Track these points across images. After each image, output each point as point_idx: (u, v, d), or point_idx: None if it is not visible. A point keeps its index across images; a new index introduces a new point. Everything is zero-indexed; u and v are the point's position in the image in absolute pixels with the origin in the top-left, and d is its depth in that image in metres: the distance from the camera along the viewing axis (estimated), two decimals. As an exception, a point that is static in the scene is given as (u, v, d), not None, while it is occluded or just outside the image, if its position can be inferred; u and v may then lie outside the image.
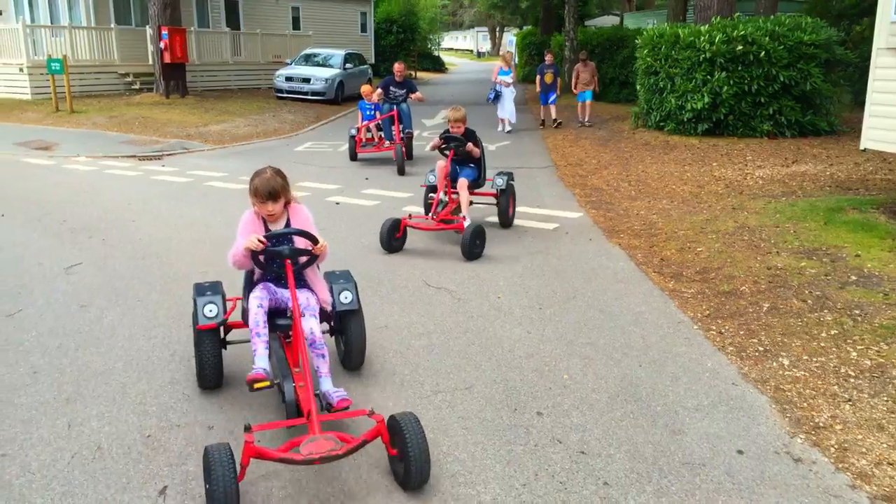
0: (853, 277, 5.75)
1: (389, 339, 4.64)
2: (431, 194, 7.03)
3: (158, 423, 3.56)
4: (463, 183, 6.85)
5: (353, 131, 11.60)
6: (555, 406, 3.80)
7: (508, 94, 15.21)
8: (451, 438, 3.46)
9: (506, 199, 7.32)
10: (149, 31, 19.41)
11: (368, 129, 11.65)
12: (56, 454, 3.27)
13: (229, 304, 3.96)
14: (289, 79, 20.94)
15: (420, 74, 37.11)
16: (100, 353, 4.32)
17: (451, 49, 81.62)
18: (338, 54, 22.44)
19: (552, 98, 15.88)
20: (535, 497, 3.03)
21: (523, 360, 4.35)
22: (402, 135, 11.48)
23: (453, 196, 6.94)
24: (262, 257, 3.56)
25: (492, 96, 15.37)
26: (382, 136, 11.65)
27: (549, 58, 16.01)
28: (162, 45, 18.03)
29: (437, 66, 44.04)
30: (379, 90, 11.64)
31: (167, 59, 18.21)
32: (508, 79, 15.08)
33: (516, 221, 7.74)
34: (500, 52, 17.58)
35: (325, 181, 9.86)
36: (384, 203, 8.58)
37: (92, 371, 4.09)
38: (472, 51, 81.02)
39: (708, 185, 9.64)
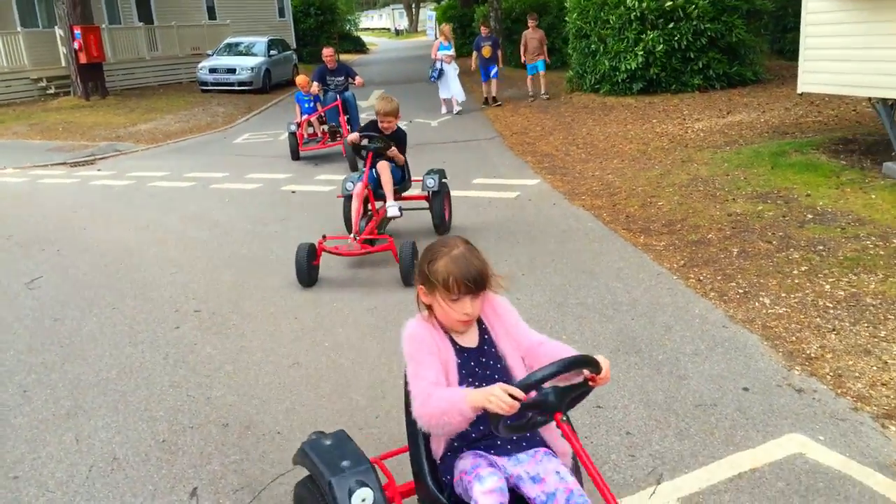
0: (809, 216, 6.03)
1: (377, 318, 4.62)
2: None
3: (170, 426, 3.48)
4: (384, 166, 5.81)
5: (293, 127, 10.25)
6: (561, 366, 3.87)
7: (452, 72, 14.01)
8: (469, 408, 3.50)
9: (440, 202, 6.25)
10: (58, 31, 18.47)
11: (310, 124, 10.48)
12: (71, 469, 3.16)
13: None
14: (213, 70, 20.32)
15: (343, 56, 36.53)
16: (88, 365, 4.17)
17: (368, 29, 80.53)
18: (261, 42, 21.87)
19: (493, 72, 14.55)
20: (564, 453, 3.10)
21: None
22: (349, 128, 10.14)
23: (378, 206, 5.98)
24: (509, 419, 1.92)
25: (435, 75, 14.03)
26: (326, 130, 10.39)
27: (484, 30, 14.92)
28: (76, 45, 17.22)
29: (359, 46, 43.40)
30: (315, 83, 10.39)
31: (83, 59, 17.41)
32: (450, 53, 13.98)
33: (479, 193, 7.79)
34: (443, 29, 15.38)
35: (274, 171, 9.67)
36: (339, 187, 8.48)
37: (86, 383, 3.95)
38: (389, 29, 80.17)
39: (653, 141, 9.89)
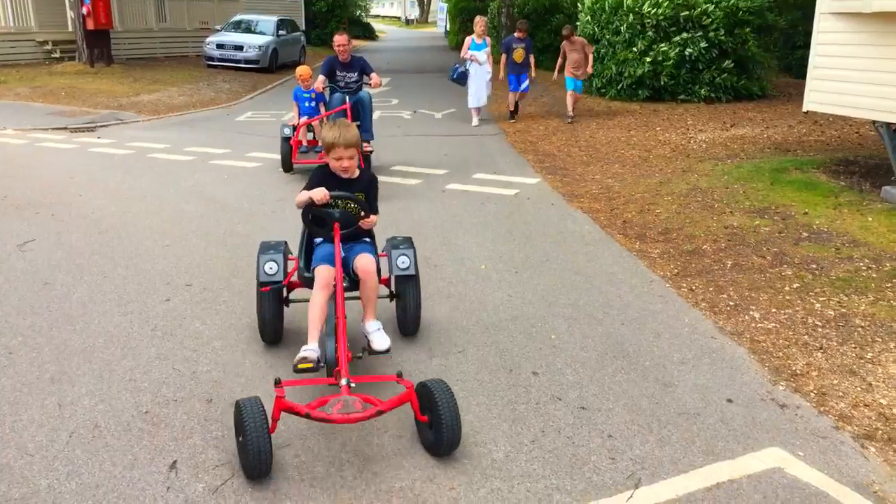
0: (805, 234, 6.05)
1: (373, 307, 4.62)
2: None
3: (153, 398, 3.48)
4: (367, 264, 3.69)
5: (288, 130, 8.26)
6: (548, 365, 3.89)
7: (482, 74, 11.64)
8: (454, 400, 3.51)
9: (414, 292, 4.05)
10: (67, -5, 18.36)
11: (310, 129, 8.39)
12: (52, 434, 3.16)
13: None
14: (220, 46, 20.22)
15: (352, 42, 36.45)
16: (76, 331, 4.16)
17: (378, 16, 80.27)
18: (270, 20, 21.76)
19: (525, 84, 12.01)
20: (545, 452, 3.11)
21: (509, 323, 4.42)
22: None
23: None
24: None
25: (455, 74, 11.87)
26: None
27: (520, 31, 11.91)
28: (84, 10, 17.10)
29: (368, 33, 43.28)
30: (322, 78, 8.26)
31: (90, 25, 17.30)
32: (483, 55, 11.55)
33: (478, 188, 7.79)
34: (478, 22, 11.86)
35: (275, 151, 9.59)
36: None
37: (72, 349, 3.94)
38: (399, 18, 79.90)
39: (655, 149, 9.90)
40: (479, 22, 11.82)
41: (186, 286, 4.89)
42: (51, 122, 11.65)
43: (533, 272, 5.29)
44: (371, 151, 8.17)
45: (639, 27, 13.05)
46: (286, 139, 8.27)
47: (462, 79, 11.82)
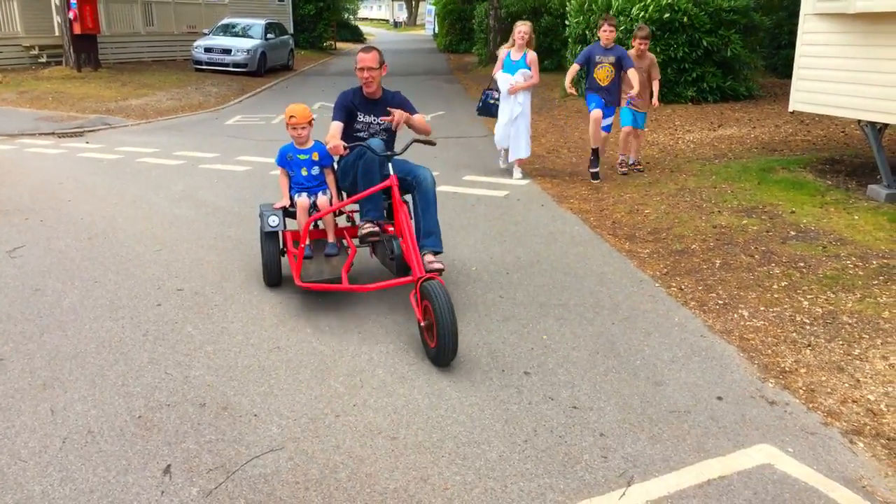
0: (792, 233, 6.11)
1: (361, 307, 4.64)
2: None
3: (146, 403, 3.48)
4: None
5: (274, 220, 4.72)
6: (540, 365, 3.91)
7: (524, 101, 8.07)
8: (447, 402, 3.53)
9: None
10: (54, 0, 18.25)
11: (315, 209, 4.87)
12: (45, 440, 3.15)
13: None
14: (208, 50, 20.17)
15: (340, 45, 36.44)
16: (67, 337, 4.15)
17: (366, 19, 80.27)
18: (258, 24, 21.74)
19: (608, 121, 8.09)
20: (538, 451, 3.14)
21: (501, 324, 4.44)
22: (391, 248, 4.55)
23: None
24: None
25: (479, 104, 8.73)
26: (365, 231, 4.55)
27: (608, 32, 7.81)
28: (71, 15, 17.02)
29: (356, 36, 43.29)
30: (337, 128, 4.78)
31: (77, 29, 17.21)
32: (519, 77, 7.95)
33: (468, 190, 7.81)
34: (517, 24, 8.08)
35: (265, 154, 9.63)
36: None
37: (63, 355, 3.93)
38: (387, 20, 79.91)
39: (643, 149, 9.93)
40: (521, 30, 7.97)
41: (178, 291, 4.89)
42: (38, 128, 11.59)
43: (524, 273, 5.32)
44: (441, 269, 4.39)
45: (626, 28, 13.10)
46: (270, 234, 4.71)
47: (488, 111, 8.55)
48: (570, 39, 14.86)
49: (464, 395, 3.60)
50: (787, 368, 3.89)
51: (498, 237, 6.18)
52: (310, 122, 4.92)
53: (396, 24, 75.58)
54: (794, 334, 4.28)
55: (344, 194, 5.00)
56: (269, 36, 21.64)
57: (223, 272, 5.25)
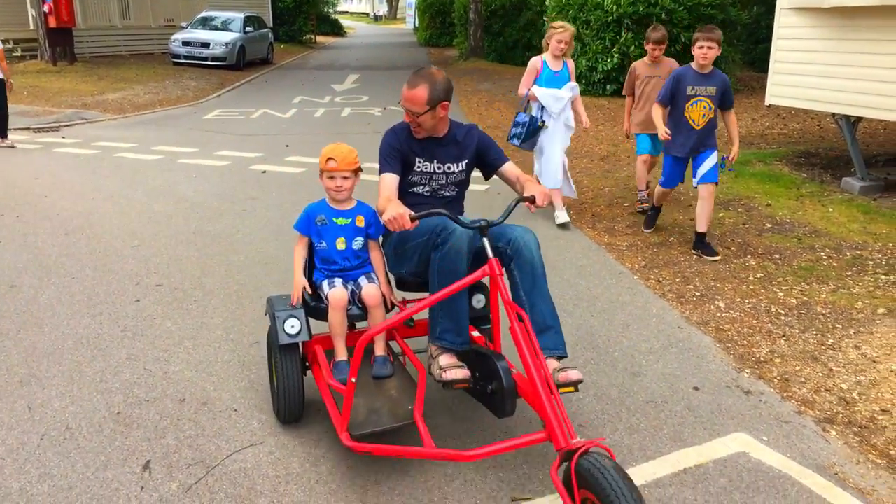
0: (768, 225, 6.19)
1: (346, 304, 4.63)
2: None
3: (125, 399, 3.46)
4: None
5: (293, 326, 3.09)
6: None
7: (560, 132, 6.31)
8: (428, 400, 3.54)
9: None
10: (28, -8, 18.01)
11: (367, 340, 2.81)
12: (23, 437, 3.13)
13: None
14: (186, 43, 19.99)
15: (320, 39, 36.23)
16: (44, 334, 4.12)
17: (346, 12, 79.82)
18: (237, 17, 21.56)
19: (708, 167, 5.46)
20: (517, 443, 3.16)
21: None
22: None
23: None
24: None
25: (521, 133, 6.36)
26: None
27: (708, 49, 5.23)
28: (46, 8, 16.80)
29: (336, 29, 43.06)
30: (389, 183, 3.27)
31: (52, 23, 17.00)
32: (567, 91, 6.20)
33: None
34: (553, 26, 6.10)
35: (243, 149, 9.58)
36: (310, 170, 8.44)
37: (41, 352, 3.90)
38: (367, 14, 79.56)
39: (622, 143, 10.02)
40: (560, 32, 6.12)
41: (156, 286, 4.86)
42: (13, 123, 11.42)
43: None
44: (579, 382, 2.98)
45: (604, 22, 13.19)
46: (287, 349, 3.13)
47: (525, 138, 6.37)
48: (549, 33, 14.90)
49: (440, 391, 3.61)
50: (762, 358, 3.95)
51: (478, 231, 6.19)
52: (356, 172, 3.30)
53: (377, 18, 75.27)
54: (769, 325, 4.35)
55: (392, 282, 3.37)
56: (247, 29, 21.48)
57: (202, 267, 5.23)
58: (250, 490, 2.83)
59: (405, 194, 3.36)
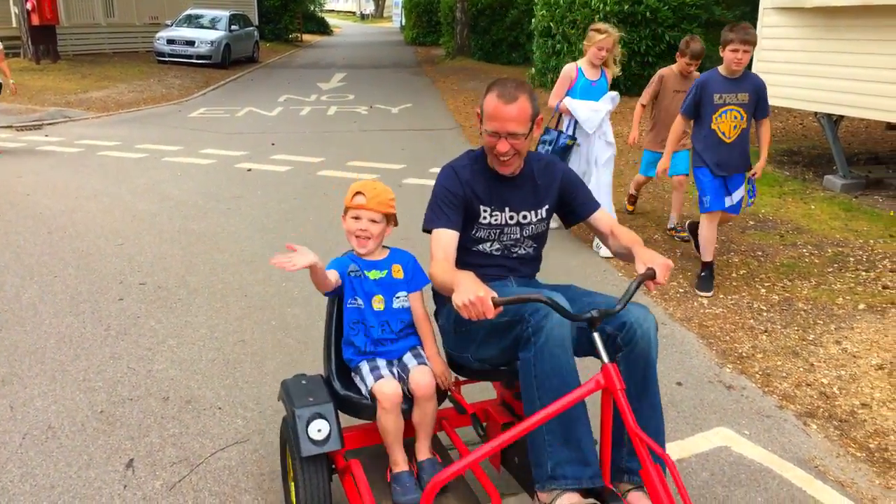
0: (751, 222, 6.24)
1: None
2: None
3: (108, 398, 3.44)
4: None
5: (320, 429, 2.32)
6: (504, 354, 3.95)
7: (601, 149, 5.73)
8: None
9: None
10: (10, -11, 17.83)
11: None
12: (4, 437, 3.11)
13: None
14: (171, 41, 19.84)
15: (306, 37, 36.10)
16: (26, 332, 4.09)
17: (333, 11, 79.57)
18: (222, 15, 21.43)
19: (739, 196, 4.82)
20: (502, 439, 3.17)
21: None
22: None
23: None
24: None
25: (546, 148, 5.70)
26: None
27: (741, 52, 4.43)
28: (28, 5, 16.60)
29: (323, 28, 42.92)
30: (447, 242, 2.43)
31: (35, 20, 16.81)
32: (606, 103, 5.65)
33: (430, 182, 7.80)
34: (594, 29, 5.35)
35: (229, 147, 9.53)
36: (296, 168, 8.41)
37: (23, 350, 3.87)
38: (354, 12, 79.37)
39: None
40: (602, 38, 5.40)
41: (140, 285, 4.84)
42: (-5, 121, 11.32)
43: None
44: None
45: (591, 20, 13.22)
46: (312, 461, 2.37)
47: (563, 158, 5.51)
48: (535, 32, 14.93)
49: (429, 384, 3.62)
50: (744, 354, 3.99)
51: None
52: (388, 218, 2.57)
53: (363, 17, 75.12)
54: (752, 321, 4.39)
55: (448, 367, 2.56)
56: (233, 27, 21.37)
57: (187, 266, 5.21)
58: (234, 487, 2.83)
59: (466, 254, 2.55)
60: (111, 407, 3.37)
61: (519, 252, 2.60)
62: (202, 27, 20.78)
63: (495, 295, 1.99)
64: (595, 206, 2.62)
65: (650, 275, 2.18)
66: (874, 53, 6.60)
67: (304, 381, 2.52)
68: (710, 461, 3.04)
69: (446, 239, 2.45)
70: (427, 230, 2.50)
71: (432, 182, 6.08)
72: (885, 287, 4.88)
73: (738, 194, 4.78)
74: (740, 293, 4.80)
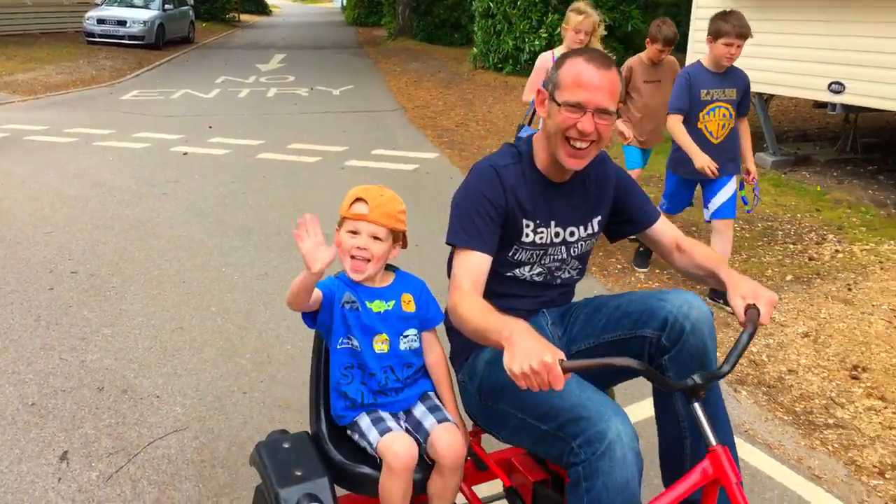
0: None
1: (268, 284, 4.58)
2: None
3: (40, 389, 3.34)
4: None
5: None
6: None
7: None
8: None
9: None
10: (-77, -35, 16.87)
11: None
12: (-72, 434, 2.99)
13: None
14: (101, 21, 19.10)
15: (244, 17, 35.26)
16: (-50, 325, 3.93)
17: (272, -10, 77.80)
18: (155, -6, 20.72)
19: (725, 200, 4.37)
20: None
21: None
22: None
23: None
24: None
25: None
26: None
27: (734, 48, 4.08)
28: (-56, -18, 15.76)
29: (261, 8, 42.00)
30: (478, 271, 1.90)
31: (-48, -2, 15.97)
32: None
33: (378, 164, 7.78)
34: (573, 9, 4.56)
35: (164, 130, 9.27)
36: (235, 151, 8.24)
37: (-54, 344, 3.72)
38: (294, -8, 77.71)
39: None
40: (580, 17, 4.72)
41: (72, 273, 4.69)
42: (-89, 105, 10.75)
43: (435, 245, 5.36)
44: None
45: (531, 1, 13.30)
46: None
47: None
48: (476, 14, 14.92)
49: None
50: (679, 327, 4.11)
51: (409, 209, 6.18)
52: (396, 236, 2.09)
53: (303, -3, 73.62)
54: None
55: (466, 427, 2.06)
56: (167, 7, 20.68)
57: (121, 253, 5.06)
58: (174, 476, 2.79)
59: (498, 282, 2.00)
60: (43, 399, 3.27)
61: (562, 277, 2.07)
62: (134, 6, 20.06)
63: (563, 356, 1.45)
64: (655, 214, 2.09)
65: (756, 317, 1.75)
66: (801, 34, 6.81)
67: (286, 445, 1.94)
68: (646, 430, 3.13)
69: (477, 264, 1.88)
70: (452, 244, 1.94)
71: (375, 164, 6.18)
72: (811, 259, 5.08)
73: (722, 197, 4.32)
74: (676, 268, 4.93)
